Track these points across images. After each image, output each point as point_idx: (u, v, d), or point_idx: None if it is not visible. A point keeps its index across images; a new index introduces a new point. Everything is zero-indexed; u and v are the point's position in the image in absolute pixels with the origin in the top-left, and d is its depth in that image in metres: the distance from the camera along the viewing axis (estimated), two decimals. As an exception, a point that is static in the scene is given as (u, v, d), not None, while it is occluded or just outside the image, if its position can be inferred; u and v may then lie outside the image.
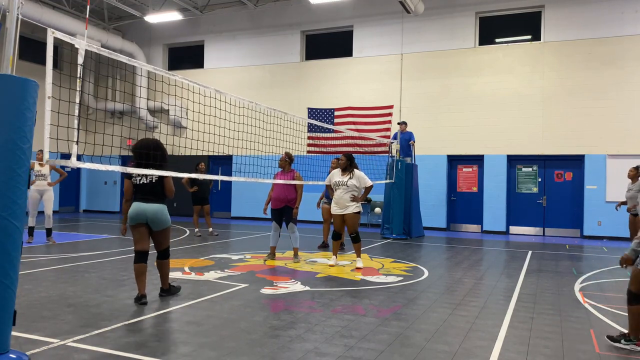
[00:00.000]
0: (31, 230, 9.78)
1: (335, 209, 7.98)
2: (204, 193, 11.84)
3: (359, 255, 7.92)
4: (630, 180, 9.24)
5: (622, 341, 4.30)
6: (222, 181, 18.11)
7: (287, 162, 8.36)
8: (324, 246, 10.14)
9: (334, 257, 8.11)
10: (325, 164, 11.66)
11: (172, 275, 6.49)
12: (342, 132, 15.79)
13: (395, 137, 13.23)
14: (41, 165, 9.72)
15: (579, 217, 13.90)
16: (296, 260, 8.28)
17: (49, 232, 9.82)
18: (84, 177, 20.05)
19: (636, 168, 9.11)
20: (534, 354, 3.99)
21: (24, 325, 4.30)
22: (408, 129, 13.29)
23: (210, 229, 11.97)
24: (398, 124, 13.38)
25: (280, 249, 9.32)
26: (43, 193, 9.81)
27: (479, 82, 14.77)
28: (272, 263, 8.13)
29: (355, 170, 7.98)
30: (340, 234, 8.08)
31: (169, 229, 5.51)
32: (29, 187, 3.48)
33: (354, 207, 7.85)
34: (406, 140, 13.06)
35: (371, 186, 7.95)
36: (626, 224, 9.55)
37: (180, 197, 11.70)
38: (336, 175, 8.05)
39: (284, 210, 8.30)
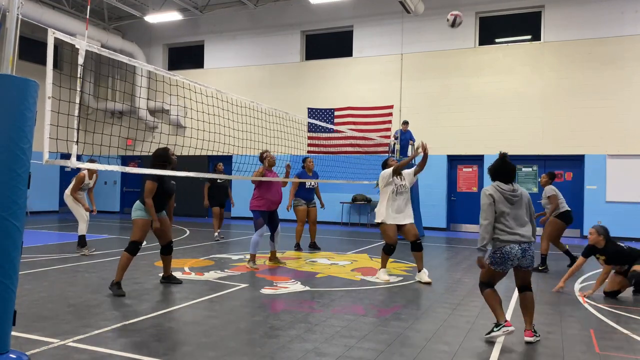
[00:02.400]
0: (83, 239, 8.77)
1: (398, 219, 6.79)
2: (222, 196, 11.31)
3: (423, 266, 6.89)
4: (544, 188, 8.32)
5: (495, 329, 4.29)
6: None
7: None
8: (299, 248, 9.71)
9: (384, 269, 6.95)
10: (330, 163, 11.47)
11: (173, 274, 6.50)
12: (342, 132, 15.78)
13: (396, 136, 13.21)
14: (90, 177, 8.80)
15: (579, 217, 13.87)
16: (281, 262, 8.07)
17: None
18: (84, 177, 20.02)
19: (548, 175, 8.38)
20: (533, 354, 3.99)
21: (24, 325, 4.30)
22: (408, 129, 13.28)
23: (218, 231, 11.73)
24: (404, 122, 13.32)
25: (281, 249, 9.31)
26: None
27: (479, 82, 14.77)
28: (272, 264, 8.11)
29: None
30: (395, 247, 6.82)
31: (133, 223, 5.97)
32: (28, 187, 3.48)
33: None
34: (407, 140, 13.06)
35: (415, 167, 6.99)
36: (625, 224, 9.33)
37: (185, 197, 11.85)
38: (395, 179, 6.82)
39: (275, 213, 7.83)
